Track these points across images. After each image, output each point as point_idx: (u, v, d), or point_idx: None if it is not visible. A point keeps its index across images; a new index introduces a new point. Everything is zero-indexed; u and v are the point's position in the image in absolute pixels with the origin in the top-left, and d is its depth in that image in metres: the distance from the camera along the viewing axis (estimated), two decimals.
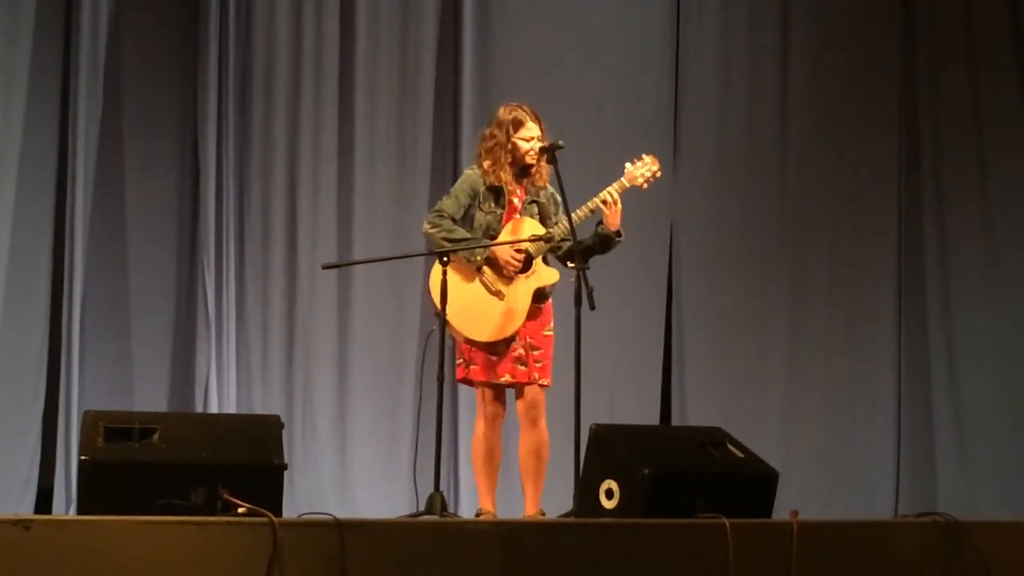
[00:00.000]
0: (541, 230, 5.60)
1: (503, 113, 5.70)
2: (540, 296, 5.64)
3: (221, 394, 7.38)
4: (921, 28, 8.42)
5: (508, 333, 5.56)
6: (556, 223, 5.64)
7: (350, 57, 7.80)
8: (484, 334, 5.56)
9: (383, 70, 7.85)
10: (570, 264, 5.51)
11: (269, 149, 7.68)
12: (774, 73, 8.33)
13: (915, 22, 8.42)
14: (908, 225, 8.34)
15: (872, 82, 8.37)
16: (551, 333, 5.66)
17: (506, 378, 5.59)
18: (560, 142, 5.59)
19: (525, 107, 5.69)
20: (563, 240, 5.58)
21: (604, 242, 5.65)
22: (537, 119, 5.67)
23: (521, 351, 5.58)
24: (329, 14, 7.77)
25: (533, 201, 5.71)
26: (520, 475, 5.68)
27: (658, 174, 5.76)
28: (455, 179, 7.70)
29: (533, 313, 5.61)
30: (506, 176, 5.65)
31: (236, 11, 7.60)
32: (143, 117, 7.52)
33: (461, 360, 5.63)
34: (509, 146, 5.64)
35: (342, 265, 7.46)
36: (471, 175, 5.72)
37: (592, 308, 5.24)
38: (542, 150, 5.60)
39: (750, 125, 8.31)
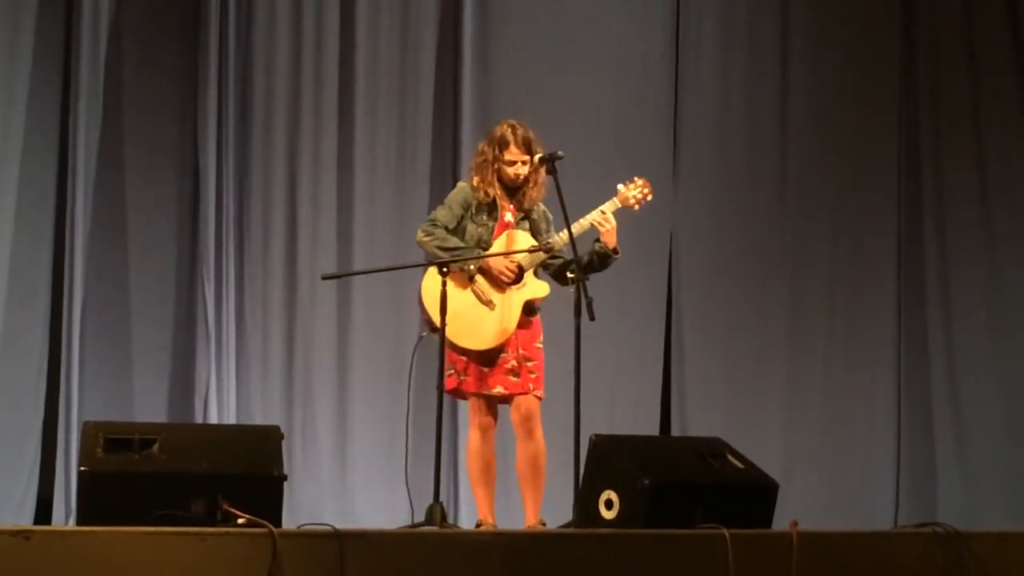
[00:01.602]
0: (533, 243, 5.64)
1: (495, 130, 5.74)
2: (529, 309, 5.66)
3: (221, 405, 7.37)
4: (921, 29, 8.43)
5: (498, 343, 5.58)
6: (546, 240, 5.65)
7: (350, 66, 7.80)
8: (474, 342, 5.57)
9: (383, 78, 7.85)
10: (570, 275, 5.52)
11: (269, 159, 7.68)
12: (774, 78, 8.33)
13: (915, 23, 8.43)
14: (908, 231, 8.34)
15: (872, 85, 8.37)
16: (541, 346, 5.68)
17: (498, 390, 5.61)
18: (559, 152, 5.61)
19: (519, 128, 5.68)
20: (553, 257, 5.63)
21: (602, 260, 5.68)
22: (526, 143, 5.66)
23: (514, 362, 5.60)
24: (329, 22, 7.76)
25: (525, 217, 5.75)
26: (519, 485, 5.68)
27: (649, 197, 5.79)
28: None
29: (523, 325, 5.64)
30: (495, 191, 5.70)
31: (236, 20, 7.60)
32: (143, 127, 7.51)
33: (452, 371, 5.63)
34: (496, 165, 5.68)
35: (341, 276, 7.46)
36: (464, 187, 5.78)
37: (592, 319, 5.26)
38: (541, 160, 5.63)
39: (750, 132, 8.32)
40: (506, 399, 5.65)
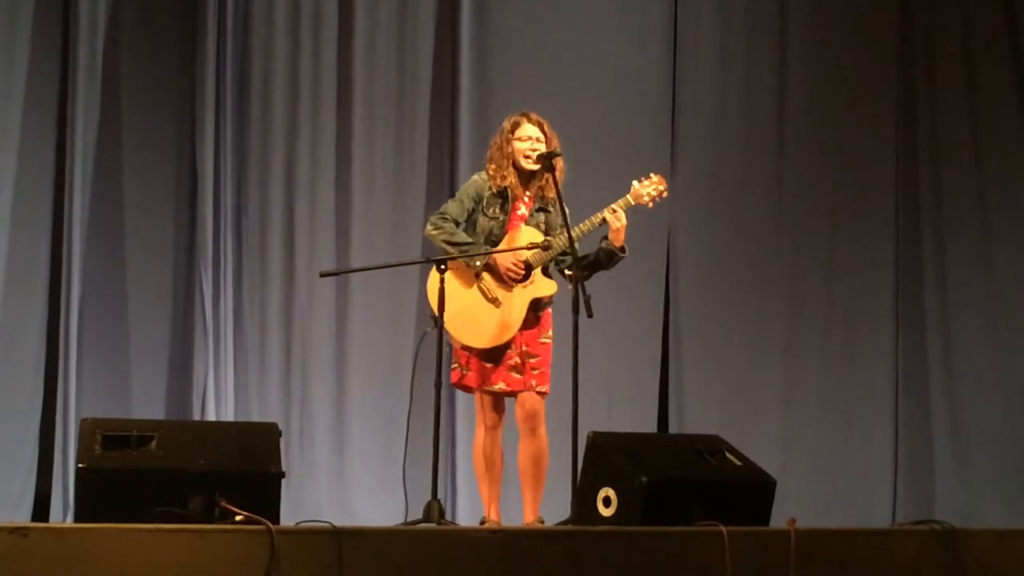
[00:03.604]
0: (540, 239, 5.59)
1: (505, 120, 5.73)
2: (537, 306, 5.62)
3: (219, 402, 7.37)
4: (918, 32, 8.43)
5: (501, 341, 5.55)
6: (558, 235, 5.59)
7: (348, 65, 7.80)
8: (477, 340, 5.56)
9: (381, 76, 7.85)
10: (568, 272, 5.50)
11: (266, 156, 7.68)
12: (771, 80, 8.33)
13: (912, 26, 8.43)
14: (905, 232, 8.34)
15: (869, 89, 8.37)
16: (549, 340, 5.64)
17: (500, 386, 5.59)
18: (557, 150, 5.60)
19: (532, 113, 5.71)
20: (563, 253, 5.54)
21: (608, 257, 5.62)
22: (539, 124, 5.67)
23: (517, 359, 5.57)
24: (327, 22, 7.77)
25: (541, 209, 5.69)
26: (520, 483, 5.68)
27: (664, 194, 5.72)
28: (452, 187, 7.77)
29: (529, 322, 5.60)
30: (511, 180, 5.66)
31: (234, 17, 7.60)
32: (141, 124, 7.51)
33: (456, 364, 5.63)
34: (508, 149, 5.66)
35: (339, 273, 7.46)
36: (477, 180, 5.74)
37: (589, 316, 5.23)
38: (539, 158, 5.61)
39: (748, 132, 8.31)
40: (509, 395, 5.62)
